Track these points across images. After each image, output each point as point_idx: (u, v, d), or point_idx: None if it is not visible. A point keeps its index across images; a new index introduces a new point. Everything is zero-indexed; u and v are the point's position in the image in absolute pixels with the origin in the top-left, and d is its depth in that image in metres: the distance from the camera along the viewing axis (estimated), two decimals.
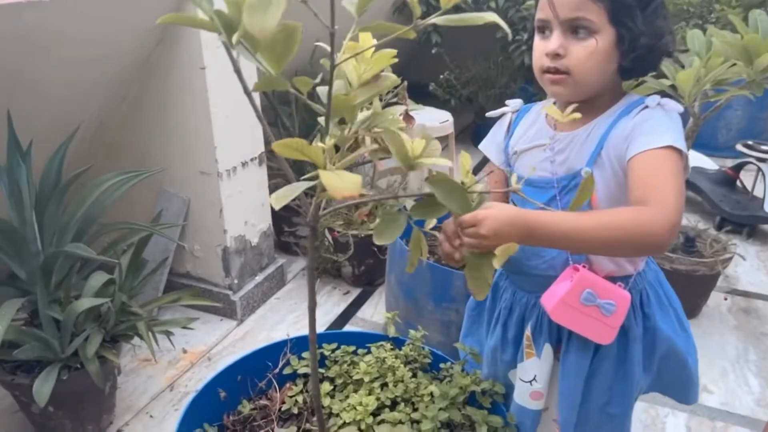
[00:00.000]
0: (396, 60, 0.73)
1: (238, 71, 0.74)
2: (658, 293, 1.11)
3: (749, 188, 2.90)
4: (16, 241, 1.47)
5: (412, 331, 1.32)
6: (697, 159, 3.04)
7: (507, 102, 1.17)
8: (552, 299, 1.02)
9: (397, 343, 1.35)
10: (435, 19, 0.66)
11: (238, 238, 2.19)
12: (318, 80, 0.75)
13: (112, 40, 1.71)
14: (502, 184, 1.17)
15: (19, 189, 1.47)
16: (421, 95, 3.43)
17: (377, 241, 0.76)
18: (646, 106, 0.95)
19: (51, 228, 1.53)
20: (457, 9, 0.69)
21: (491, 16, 0.65)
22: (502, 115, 1.16)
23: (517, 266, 1.11)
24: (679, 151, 0.89)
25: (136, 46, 1.80)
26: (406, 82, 2.59)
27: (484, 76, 3.68)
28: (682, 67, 1.97)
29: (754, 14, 1.85)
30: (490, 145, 1.17)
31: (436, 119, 3.01)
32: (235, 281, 2.21)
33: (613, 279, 1.04)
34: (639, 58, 0.93)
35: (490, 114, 1.17)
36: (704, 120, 1.96)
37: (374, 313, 2.27)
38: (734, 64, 1.81)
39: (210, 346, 2.08)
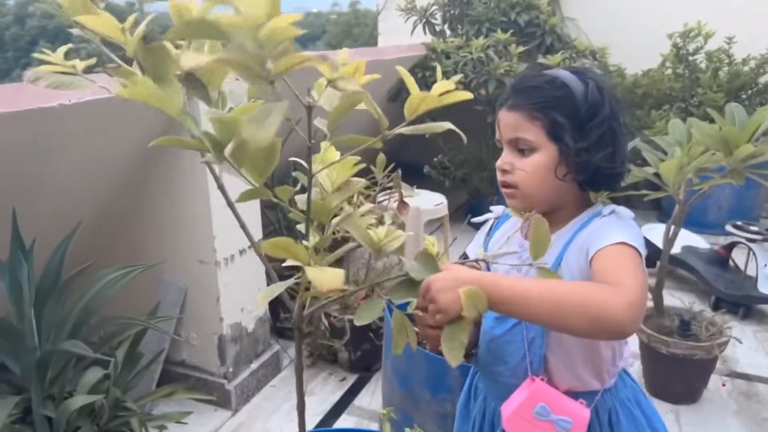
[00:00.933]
0: (361, 166, 0.80)
1: (221, 187, 0.79)
2: (633, 414, 1.05)
3: (742, 268, 2.93)
4: (13, 337, 1.48)
5: (407, 430, 1.31)
6: (689, 238, 3.08)
7: (492, 208, 1.20)
8: (507, 410, 1.00)
9: None
10: (401, 129, 0.72)
11: (234, 326, 2.19)
12: (296, 189, 0.81)
13: (117, 142, 1.79)
14: None
15: (20, 286, 1.49)
16: (416, 176, 3.52)
17: (357, 322, 0.79)
18: (602, 216, 0.98)
19: (49, 324, 1.55)
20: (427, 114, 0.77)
21: (447, 125, 0.73)
22: (486, 221, 1.19)
23: (485, 371, 1.11)
24: (633, 247, 0.89)
25: (139, 142, 1.88)
26: (399, 171, 2.67)
27: (476, 157, 3.79)
28: (665, 153, 2.05)
29: (731, 107, 1.94)
30: (474, 248, 1.19)
31: (431, 202, 3.08)
32: (231, 369, 2.19)
33: (575, 395, 1.00)
34: (590, 172, 0.95)
35: (475, 220, 1.20)
36: (690, 206, 2.02)
37: (371, 401, 2.24)
38: (714, 154, 1.88)
39: None
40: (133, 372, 1.70)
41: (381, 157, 2.69)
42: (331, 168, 0.78)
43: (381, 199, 2.95)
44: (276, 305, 2.53)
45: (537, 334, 1.01)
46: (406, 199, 2.76)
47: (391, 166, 2.67)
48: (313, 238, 0.80)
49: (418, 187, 3.22)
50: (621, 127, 0.97)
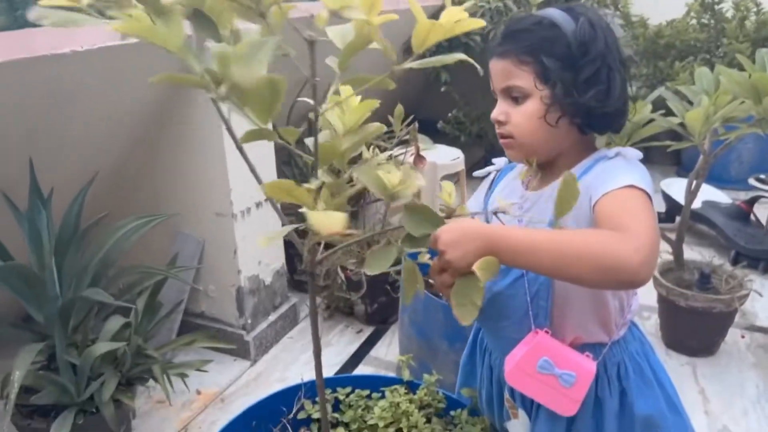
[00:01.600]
0: (377, 106, 0.77)
1: (229, 129, 0.77)
2: (641, 367, 1.03)
3: (764, 222, 2.88)
4: (35, 285, 1.50)
5: (426, 376, 1.31)
6: (710, 193, 3.03)
7: (493, 160, 1.17)
8: (509, 364, 0.98)
9: (412, 387, 1.35)
10: (410, 64, 0.68)
11: (252, 278, 2.20)
12: (302, 129, 0.78)
13: (131, 92, 1.76)
14: None
15: (40, 235, 1.50)
16: (431, 132, 3.48)
17: (367, 271, 0.76)
18: (607, 158, 0.94)
19: (69, 273, 1.56)
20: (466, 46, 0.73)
21: (459, 56, 0.68)
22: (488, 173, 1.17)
23: (488, 327, 1.10)
24: (642, 190, 0.85)
25: (154, 95, 1.86)
26: (416, 123, 2.62)
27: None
28: (690, 104, 1.99)
29: (761, 53, 1.87)
30: (472, 201, 1.17)
31: (447, 157, 3.04)
32: (249, 321, 2.22)
33: (582, 347, 0.99)
34: (582, 113, 0.91)
35: (476, 173, 1.17)
36: (714, 157, 1.97)
37: (388, 353, 2.27)
38: (743, 102, 1.82)
39: (223, 388, 2.08)
40: (153, 321, 1.72)
41: (399, 109, 2.64)
42: (344, 109, 0.75)
43: (398, 152, 2.91)
44: (293, 259, 2.54)
45: (541, 287, 0.98)
46: (422, 153, 2.72)
47: (409, 119, 2.62)
48: (320, 181, 0.78)
49: (434, 142, 3.18)
50: (617, 63, 0.92)
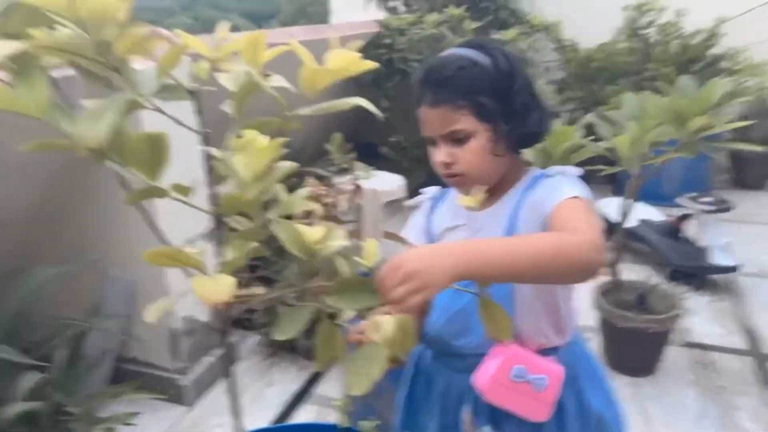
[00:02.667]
0: (286, 146, 0.73)
1: (124, 183, 0.70)
2: (585, 367, 1.11)
3: (694, 239, 2.98)
4: None
5: (363, 423, 1.26)
6: (644, 211, 3.12)
7: (422, 190, 1.19)
8: (483, 378, 0.99)
9: None
10: (304, 111, 0.66)
11: (187, 319, 2.11)
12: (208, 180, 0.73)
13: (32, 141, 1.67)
14: None
15: None
16: (373, 156, 3.47)
17: (276, 336, 0.70)
18: (548, 176, 1.01)
19: None
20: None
21: (358, 100, 0.66)
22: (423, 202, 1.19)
23: (446, 347, 1.08)
24: (586, 199, 0.94)
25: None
26: (354, 154, 2.60)
27: None
28: (620, 128, 2.04)
29: (682, 80, 1.93)
30: (410, 229, 1.17)
31: (389, 183, 3.03)
32: (185, 364, 2.11)
33: (542, 353, 1.03)
34: (521, 137, 0.99)
35: (409, 203, 1.21)
36: (644, 180, 2.02)
37: (334, 388, 2.20)
38: (668, 126, 1.87)
39: None
40: (77, 373, 1.61)
41: (337, 137, 2.60)
42: (251, 154, 0.70)
43: (338, 181, 2.87)
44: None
45: (503, 300, 0.95)
46: (362, 181, 2.69)
47: (347, 146, 2.59)
48: (231, 249, 0.73)
49: (376, 168, 3.17)
50: (534, 87, 1.00)
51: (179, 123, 0.64)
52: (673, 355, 2.30)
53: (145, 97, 0.56)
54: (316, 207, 0.86)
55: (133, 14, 0.56)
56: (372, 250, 0.75)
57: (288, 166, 0.77)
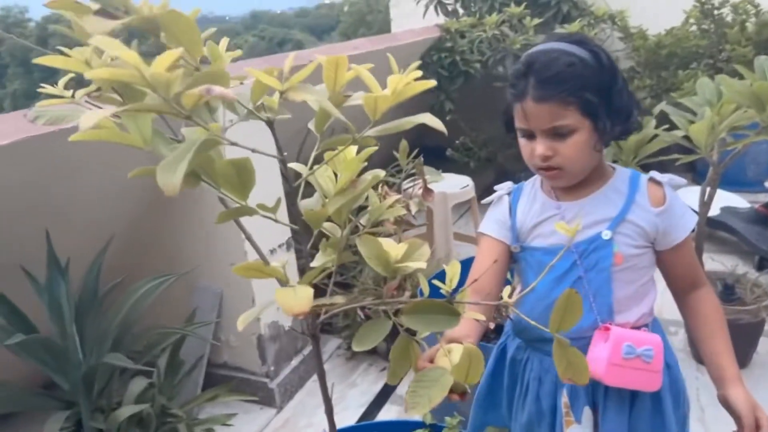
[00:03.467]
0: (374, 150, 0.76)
1: (222, 200, 0.76)
2: (665, 339, 1.15)
3: None
4: (59, 354, 1.52)
5: (448, 419, 1.30)
6: (727, 199, 2.99)
7: (495, 187, 1.22)
8: (599, 364, 1.03)
9: (435, 430, 1.33)
10: (371, 132, 0.67)
11: (272, 325, 2.21)
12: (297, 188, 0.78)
13: (137, 157, 1.80)
14: (499, 256, 1.18)
15: (59, 304, 1.53)
16: (440, 160, 3.50)
17: (355, 347, 0.73)
18: (655, 182, 1.10)
19: (90, 338, 1.58)
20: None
21: (423, 118, 0.66)
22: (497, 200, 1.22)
23: (541, 337, 1.11)
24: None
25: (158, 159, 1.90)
26: (421, 157, 2.62)
27: (500, 136, 3.73)
28: (695, 114, 1.98)
29: (760, 61, 1.86)
30: (491, 224, 1.20)
31: (457, 185, 3.05)
32: (272, 368, 2.22)
33: (636, 329, 1.09)
34: (619, 133, 1.04)
35: (485, 201, 1.23)
36: (724, 167, 1.95)
37: None
38: (746, 111, 1.81)
39: None
40: (176, 379, 1.73)
41: (404, 144, 2.64)
42: (339, 167, 0.74)
43: (406, 186, 2.91)
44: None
45: (602, 285, 1.07)
46: (431, 185, 2.70)
47: (414, 152, 2.62)
48: (322, 255, 0.77)
49: (443, 171, 3.17)
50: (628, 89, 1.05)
51: (256, 151, 0.69)
52: (765, 348, 2.20)
53: (220, 136, 0.61)
54: (391, 214, 0.90)
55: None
56: (454, 275, 0.75)
57: (370, 179, 0.81)
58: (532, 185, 1.18)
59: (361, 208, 0.89)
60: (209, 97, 0.55)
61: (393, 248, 0.73)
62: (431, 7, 4.06)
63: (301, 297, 0.61)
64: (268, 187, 0.74)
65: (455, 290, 0.75)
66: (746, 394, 1.03)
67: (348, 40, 3.60)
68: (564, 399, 1.12)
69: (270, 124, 0.68)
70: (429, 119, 0.67)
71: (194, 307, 2.02)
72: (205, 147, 0.58)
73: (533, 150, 1.02)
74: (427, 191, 2.51)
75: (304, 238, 0.82)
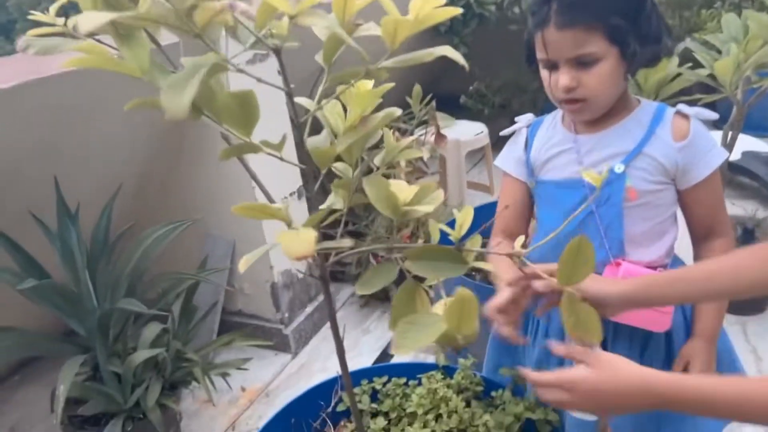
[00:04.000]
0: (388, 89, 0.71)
1: (226, 138, 0.73)
2: None
3: None
4: (73, 300, 1.53)
5: (461, 360, 1.30)
6: (749, 143, 2.91)
7: (516, 119, 1.19)
8: None
9: (448, 371, 1.33)
10: (387, 63, 0.63)
11: (285, 273, 2.22)
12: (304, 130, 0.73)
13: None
14: (520, 194, 1.18)
15: (71, 251, 1.53)
16: (454, 107, 3.42)
17: (359, 291, 0.71)
18: (682, 115, 1.04)
19: (104, 285, 1.59)
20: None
21: (443, 50, 0.61)
22: (515, 132, 1.20)
23: None
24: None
25: None
26: (434, 102, 2.56)
27: (514, 81, 3.64)
28: (718, 52, 1.90)
29: None
30: (508, 159, 1.19)
31: (471, 132, 2.99)
32: (286, 315, 2.23)
33: (652, 269, 1.06)
34: (644, 62, 0.98)
35: (503, 132, 1.21)
36: (749, 107, 1.88)
37: None
38: None
39: (267, 383, 2.11)
40: (190, 324, 1.75)
41: (417, 89, 2.57)
42: (348, 103, 0.70)
43: (419, 133, 2.85)
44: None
45: (613, 220, 1.04)
46: (443, 131, 2.65)
47: (428, 98, 2.56)
48: (333, 196, 0.74)
49: (457, 118, 3.09)
50: (659, 13, 0.97)
51: (261, 81, 0.66)
52: None
53: (228, 61, 0.57)
54: (407, 156, 0.85)
55: None
56: (464, 221, 0.72)
57: (383, 116, 0.76)
58: (553, 118, 1.15)
59: (375, 149, 0.85)
60: (228, 13, 0.51)
61: (403, 190, 0.70)
62: None
63: (304, 240, 0.58)
64: (275, 126, 0.70)
65: (465, 236, 0.72)
66: (704, 348, 1.01)
67: None
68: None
69: (277, 52, 0.64)
70: (449, 51, 0.62)
71: (207, 255, 2.02)
72: (214, 71, 0.55)
73: (556, 82, 0.98)
74: (440, 137, 2.47)
75: (312, 180, 0.79)
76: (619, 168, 1.02)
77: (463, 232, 0.72)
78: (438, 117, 2.61)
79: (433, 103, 2.59)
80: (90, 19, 0.46)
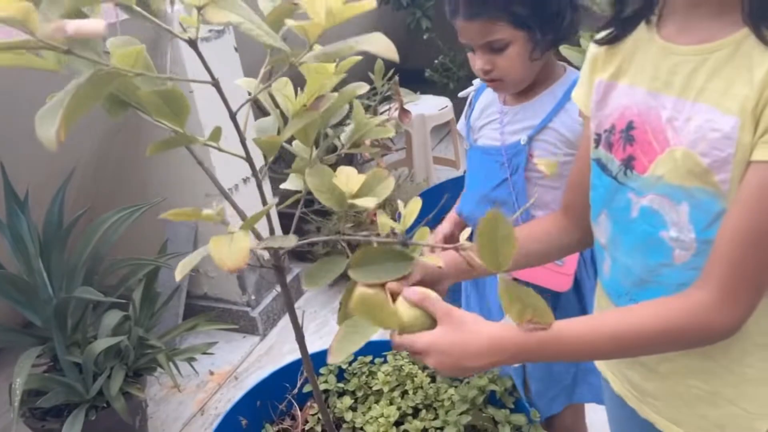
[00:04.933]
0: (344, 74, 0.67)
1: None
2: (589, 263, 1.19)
3: None
4: (27, 290, 1.48)
5: None
6: None
7: (473, 81, 1.24)
8: None
9: None
10: (308, 55, 0.58)
11: (250, 254, 2.18)
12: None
13: None
14: None
15: (23, 239, 1.48)
16: (418, 82, 3.39)
17: (305, 286, 0.70)
18: None
19: (59, 273, 1.54)
20: None
21: (374, 39, 0.54)
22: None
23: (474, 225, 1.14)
24: None
25: None
26: (397, 77, 2.52)
27: None
28: None
29: None
30: (461, 122, 1.28)
31: (435, 106, 2.97)
32: (253, 297, 2.21)
33: None
34: (554, 39, 1.03)
35: (461, 94, 1.29)
36: None
37: None
38: None
39: (235, 365, 2.09)
40: (152, 310, 1.71)
41: (379, 64, 2.55)
42: (307, 78, 0.65)
43: (383, 109, 2.81)
44: (288, 230, 2.51)
45: (522, 187, 1.11)
46: (408, 106, 2.62)
47: (390, 72, 2.51)
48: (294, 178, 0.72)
49: (422, 93, 3.06)
50: None
51: (174, 79, 0.61)
52: None
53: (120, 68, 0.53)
54: (380, 134, 0.82)
55: None
56: (410, 214, 0.67)
57: (355, 87, 0.69)
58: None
59: (340, 126, 0.81)
60: (68, 35, 0.46)
61: (350, 180, 0.66)
62: None
63: (235, 250, 0.55)
64: (236, 104, 0.66)
65: (413, 227, 0.67)
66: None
67: None
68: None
69: (193, 44, 0.58)
70: (379, 42, 0.53)
71: (169, 240, 1.98)
72: (94, 84, 0.50)
73: (475, 64, 1.05)
74: (404, 112, 2.44)
75: (263, 166, 0.75)
76: (523, 140, 1.09)
77: (408, 224, 0.67)
78: (402, 92, 2.58)
79: (396, 78, 2.56)
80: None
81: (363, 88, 0.72)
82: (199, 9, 0.53)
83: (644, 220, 0.71)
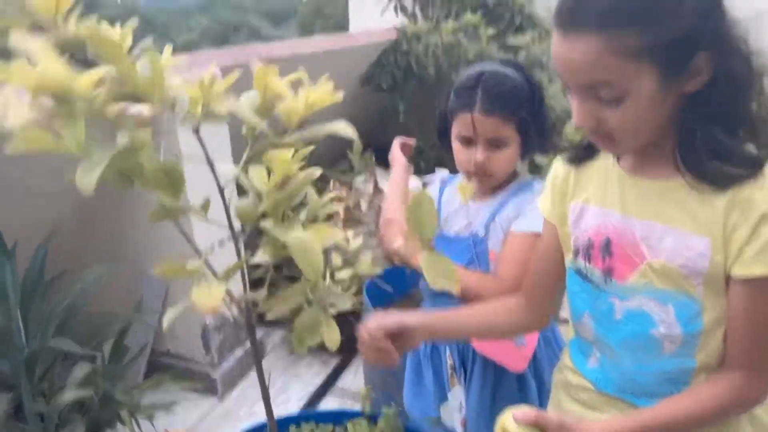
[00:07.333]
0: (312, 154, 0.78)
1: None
2: (548, 338, 1.30)
3: None
4: (1, 336, 1.52)
5: (385, 408, 1.38)
6: None
7: (438, 169, 1.40)
8: None
9: (374, 419, 1.41)
10: (288, 139, 0.72)
11: (218, 315, 2.24)
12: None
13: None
14: None
15: (4, 286, 1.53)
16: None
17: (269, 314, 0.79)
18: (531, 191, 1.20)
19: (35, 322, 1.59)
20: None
21: (339, 126, 0.69)
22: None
23: (441, 304, 1.23)
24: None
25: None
26: (373, 157, 2.70)
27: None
28: None
29: None
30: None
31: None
32: (215, 358, 2.25)
33: None
34: (535, 151, 1.21)
35: (424, 181, 1.44)
36: None
37: (354, 382, 2.32)
38: None
39: (191, 427, 2.10)
40: (120, 364, 1.75)
41: (357, 144, 2.73)
42: (274, 166, 0.78)
43: (358, 183, 2.98)
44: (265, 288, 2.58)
45: (480, 251, 1.21)
46: (381, 183, 2.80)
47: (366, 151, 2.69)
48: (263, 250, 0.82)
49: None
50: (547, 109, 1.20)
51: (180, 158, 0.72)
52: None
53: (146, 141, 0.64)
54: (339, 209, 0.96)
55: (152, 15, 0.64)
56: None
57: (310, 173, 0.84)
58: (460, 179, 1.31)
59: (302, 206, 0.94)
60: (127, 114, 0.59)
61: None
62: (390, 6, 4.12)
63: (213, 294, 0.65)
64: (211, 186, 0.78)
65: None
66: None
67: (305, 31, 3.62)
68: (450, 365, 1.29)
69: (196, 131, 0.71)
70: (343, 128, 0.69)
71: (141, 296, 2.03)
72: (124, 154, 0.61)
73: (469, 156, 1.15)
74: (377, 189, 2.60)
75: (240, 234, 0.86)
76: (480, 232, 1.21)
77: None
78: (376, 172, 2.74)
79: (372, 157, 2.73)
80: (18, 114, 0.54)
81: (317, 172, 0.84)
82: (205, 104, 0.65)
83: (631, 320, 0.83)
